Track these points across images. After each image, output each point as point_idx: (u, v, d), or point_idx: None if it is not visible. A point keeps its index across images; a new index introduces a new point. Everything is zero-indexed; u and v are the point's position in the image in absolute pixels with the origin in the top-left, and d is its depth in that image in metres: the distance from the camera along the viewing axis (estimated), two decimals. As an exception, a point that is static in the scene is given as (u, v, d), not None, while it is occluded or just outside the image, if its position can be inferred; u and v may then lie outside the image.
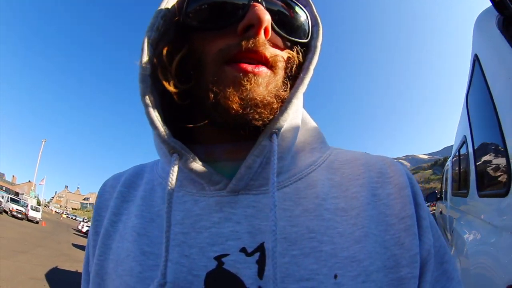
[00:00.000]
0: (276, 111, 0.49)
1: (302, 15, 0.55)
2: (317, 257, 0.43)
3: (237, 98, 0.45)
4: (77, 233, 28.32)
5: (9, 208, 26.07)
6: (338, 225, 0.46)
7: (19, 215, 25.88)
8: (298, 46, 0.55)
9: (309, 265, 0.43)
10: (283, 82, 0.51)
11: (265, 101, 0.46)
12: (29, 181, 75.45)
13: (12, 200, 28.16)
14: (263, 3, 0.48)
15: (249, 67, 0.46)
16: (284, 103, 0.49)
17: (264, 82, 0.47)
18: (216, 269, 0.44)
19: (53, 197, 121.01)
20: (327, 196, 0.49)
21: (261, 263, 0.43)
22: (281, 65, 0.50)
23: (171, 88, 0.49)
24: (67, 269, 10.25)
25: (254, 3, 0.47)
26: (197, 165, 0.49)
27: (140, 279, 0.47)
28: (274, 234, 0.41)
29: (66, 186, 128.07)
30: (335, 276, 0.42)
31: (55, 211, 72.23)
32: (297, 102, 0.51)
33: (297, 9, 0.54)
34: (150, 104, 0.48)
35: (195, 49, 0.51)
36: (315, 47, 0.56)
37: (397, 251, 0.45)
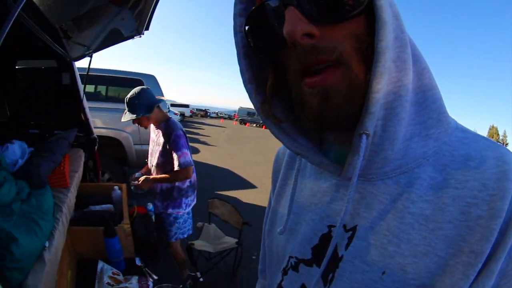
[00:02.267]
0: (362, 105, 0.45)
1: None
2: (381, 253, 0.48)
3: (310, 117, 0.49)
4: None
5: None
6: (412, 232, 0.46)
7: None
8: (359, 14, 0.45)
9: (373, 256, 0.49)
10: (363, 65, 0.45)
11: (341, 113, 0.46)
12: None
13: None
14: (295, 1, 0.44)
15: (313, 80, 0.46)
16: (369, 95, 0.43)
17: (336, 90, 0.45)
18: (326, 234, 0.56)
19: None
20: (419, 198, 0.48)
21: (350, 239, 0.52)
22: (349, 53, 0.44)
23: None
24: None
25: (288, 8, 0.44)
26: (317, 160, 0.55)
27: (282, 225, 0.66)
28: (340, 226, 0.51)
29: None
30: (383, 273, 0.47)
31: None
32: (384, 84, 0.43)
33: None
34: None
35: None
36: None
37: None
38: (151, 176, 2.67)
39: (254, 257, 4.00)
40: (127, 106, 2.56)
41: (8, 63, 2.82)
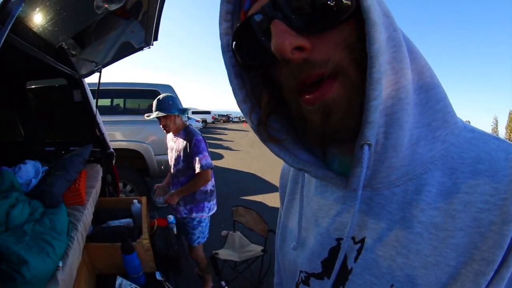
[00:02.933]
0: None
1: None
2: (389, 265, 0.47)
3: (313, 134, 0.47)
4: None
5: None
6: (422, 241, 0.45)
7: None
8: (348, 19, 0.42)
9: (381, 268, 0.47)
10: (360, 72, 0.42)
11: (344, 126, 0.44)
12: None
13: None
14: (279, 13, 0.42)
15: (311, 96, 0.44)
16: (367, 104, 0.40)
17: (336, 103, 0.43)
18: (335, 247, 0.55)
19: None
20: (428, 206, 0.46)
21: (359, 251, 0.51)
22: (345, 63, 0.41)
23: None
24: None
25: (273, 22, 0.42)
26: (321, 173, 0.53)
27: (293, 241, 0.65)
28: (348, 239, 0.50)
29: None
30: (392, 286, 0.46)
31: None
32: (382, 90, 0.40)
33: None
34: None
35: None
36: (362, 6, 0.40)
37: None
38: (176, 191, 2.75)
39: (280, 262, 3.91)
40: (158, 104, 2.65)
41: (18, 84, 2.88)
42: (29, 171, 1.99)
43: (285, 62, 0.43)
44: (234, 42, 0.50)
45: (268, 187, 7.71)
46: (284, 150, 0.55)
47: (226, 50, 0.53)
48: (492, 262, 0.40)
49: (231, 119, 64.01)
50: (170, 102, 2.66)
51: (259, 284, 3.32)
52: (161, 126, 2.75)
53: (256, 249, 3.24)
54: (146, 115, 2.79)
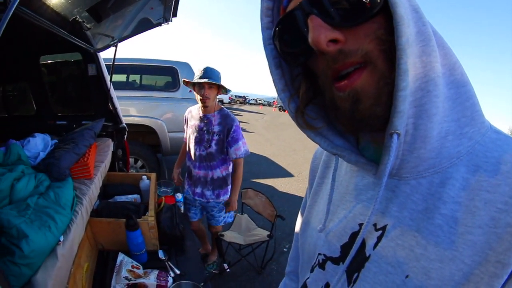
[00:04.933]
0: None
1: None
2: (407, 254, 0.47)
3: (344, 120, 0.50)
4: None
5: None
6: (441, 234, 0.45)
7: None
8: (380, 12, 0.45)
9: (399, 257, 0.48)
10: (388, 63, 0.45)
11: (372, 113, 0.47)
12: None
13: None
14: (315, 9, 0.46)
15: (342, 83, 0.47)
16: (395, 93, 0.43)
17: (364, 91, 0.46)
18: (356, 232, 0.56)
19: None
20: (451, 199, 0.47)
21: (379, 238, 0.51)
22: (374, 53, 0.45)
23: None
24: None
25: (310, 17, 0.46)
26: (353, 159, 0.55)
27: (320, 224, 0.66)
28: (369, 224, 0.51)
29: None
30: (407, 276, 0.46)
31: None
32: (411, 81, 0.43)
33: None
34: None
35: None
36: None
37: None
38: (233, 195, 2.76)
39: (285, 249, 3.91)
40: (208, 72, 2.46)
41: (31, 58, 2.88)
42: (38, 144, 1.99)
43: (321, 53, 0.47)
44: (275, 36, 0.54)
45: (279, 172, 7.69)
46: (319, 136, 0.59)
47: (267, 43, 0.57)
48: (507, 265, 0.40)
49: (247, 101, 63.76)
50: (219, 76, 2.50)
51: (261, 270, 3.33)
52: (199, 96, 2.51)
53: (262, 233, 3.24)
54: (184, 79, 2.62)
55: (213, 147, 2.60)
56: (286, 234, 4.16)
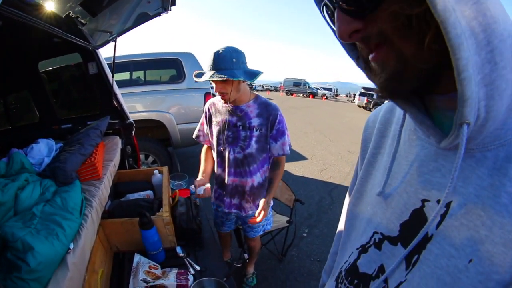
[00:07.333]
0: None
1: None
2: (471, 236, 0.44)
3: (379, 87, 0.50)
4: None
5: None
6: (506, 215, 0.41)
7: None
8: None
9: (463, 239, 0.45)
10: (407, 39, 0.43)
11: (396, 86, 0.47)
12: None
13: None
14: (337, 4, 0.46)
15: (372, 57, 0.48)
16: (456, 78, 0.38)
17: (384, 66, 0.47)
18: (419, 209, 0.53)
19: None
20: None
21: (443, 217, 0.48)
22: (388, 31, 0.43)
23: None
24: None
25: (336, 11, 0.47)
26: (419, 118, 0.52)
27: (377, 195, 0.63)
28: (438, 203, 0.49)
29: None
30: (470, 260, 0.43)
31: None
32: (470, 57, 0.37)
33: None
34: None
35: None
36: None
37: None
38: (269, 198, 2.11)
39: (304, 234, 3.84)
40: (216, 62, 1.76)
41: (29, 66, 2.80)
42: (42, 150, 1.92)
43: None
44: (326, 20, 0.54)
45: (293, 156, 7.58)
46: None
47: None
48: None
49: (254, 87, 63.36)
50: (234, 60, 1.75)
51: (282, 257, 3.27)
52: (216, 93, 1.92)
53: (281, 219, 3.16)
54: (195, 74, 1.95)
55: (253, 146, 2.03)
56: (304, 218, 4.07)
